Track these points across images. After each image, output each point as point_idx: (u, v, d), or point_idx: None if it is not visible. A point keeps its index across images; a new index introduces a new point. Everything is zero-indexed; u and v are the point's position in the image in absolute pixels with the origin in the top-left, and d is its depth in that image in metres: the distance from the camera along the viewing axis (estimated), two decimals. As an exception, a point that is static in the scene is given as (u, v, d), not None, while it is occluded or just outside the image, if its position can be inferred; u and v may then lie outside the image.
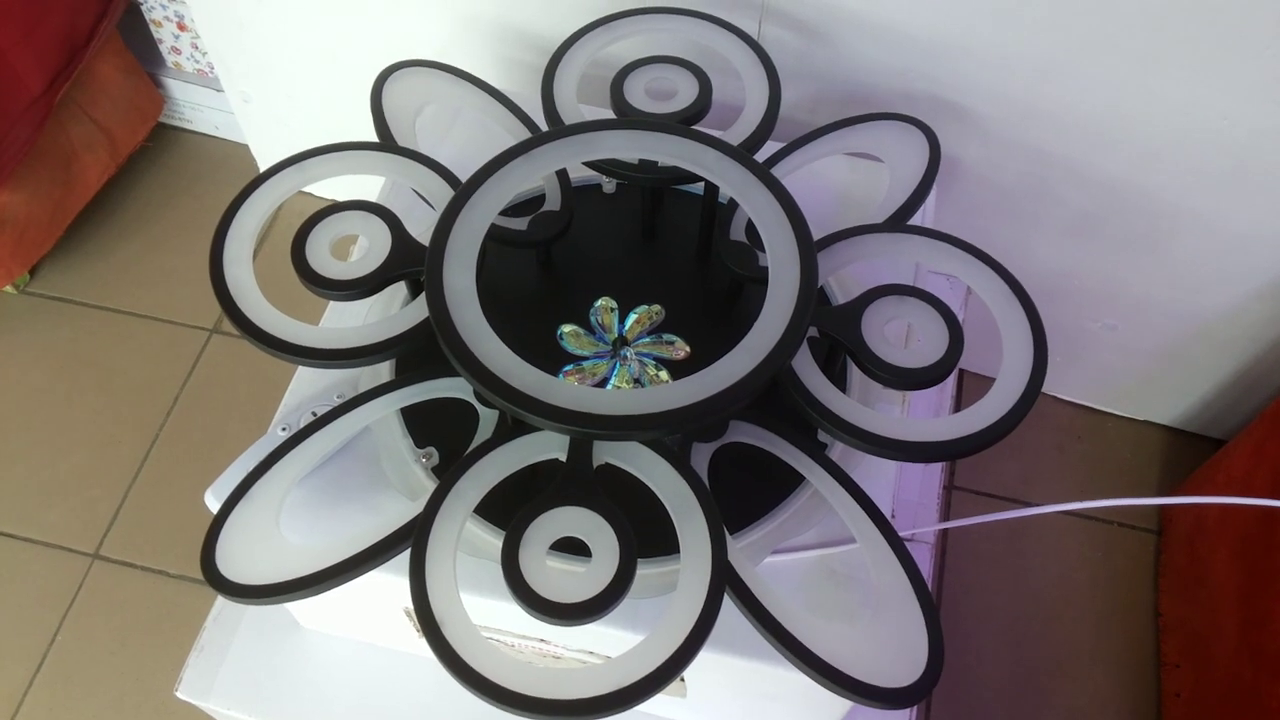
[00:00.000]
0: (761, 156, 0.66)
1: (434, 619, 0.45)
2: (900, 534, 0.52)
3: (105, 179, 1.30)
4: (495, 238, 0.62)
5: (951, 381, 0.87)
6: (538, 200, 0.66)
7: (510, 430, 0.52)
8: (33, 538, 1.09)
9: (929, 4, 0.75)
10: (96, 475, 1.13)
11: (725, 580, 0.48)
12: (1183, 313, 0.98)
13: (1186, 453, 1.15)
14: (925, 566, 0.71)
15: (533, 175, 0.56)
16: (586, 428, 0.47)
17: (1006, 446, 0.60)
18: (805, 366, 0.53)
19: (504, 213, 0.64)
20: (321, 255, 0.56)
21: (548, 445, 0.51)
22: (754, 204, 0.54)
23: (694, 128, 0.58)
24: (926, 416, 0.77)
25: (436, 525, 0.48)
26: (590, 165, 0.63)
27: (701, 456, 0.54)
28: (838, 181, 0.72)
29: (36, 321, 1.25)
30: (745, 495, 0.57)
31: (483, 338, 0.50)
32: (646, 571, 0.54)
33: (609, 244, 0.68)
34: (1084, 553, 1.08)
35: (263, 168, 0.66)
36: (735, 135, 0.65)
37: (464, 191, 0.54)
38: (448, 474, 0.49)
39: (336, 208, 0.58)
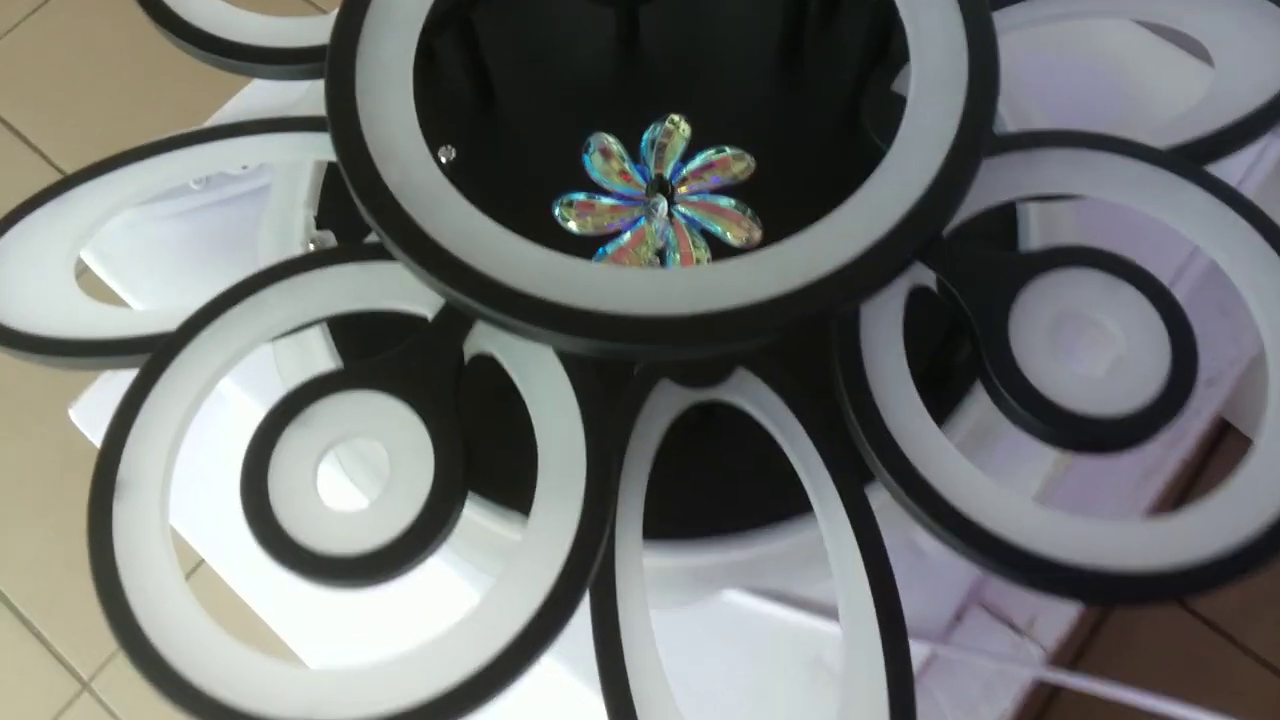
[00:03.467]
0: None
1: (110, 487, 0.30)
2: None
3: None
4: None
5: (1191, 438, 0.61)
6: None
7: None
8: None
9: None
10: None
11: (580, 592, 0.29)
12: None
13: None
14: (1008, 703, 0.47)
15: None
16: (464, 293, 0.29)
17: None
18: (881, 343, 0.32)
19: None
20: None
21: (419, 293, 0.33)
22: (919, 20, 0.32)
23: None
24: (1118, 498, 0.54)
25: (185, 355, 0.32)
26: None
27: (669, 402, 0.35)
28: (1125, 66, 0.47)
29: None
30: (725, 489, 0.37)
31: (388, 91, 0.32)
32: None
33: (732, 43, 0.47)
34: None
35: None
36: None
37: None
38: (248, 279, 0.33)
39: None
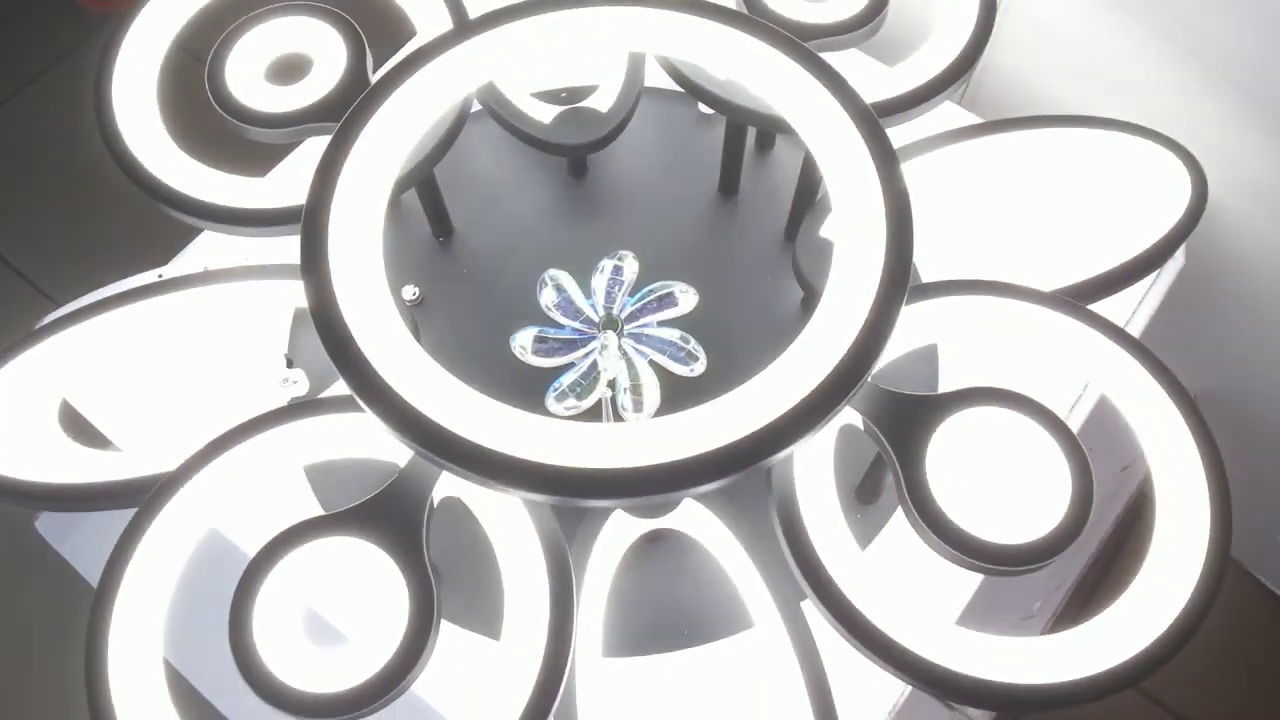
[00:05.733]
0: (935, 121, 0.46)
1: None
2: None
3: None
4: (507, 124, 0.47)
5: (1108, 521, 0.65)
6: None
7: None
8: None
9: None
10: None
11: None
12: None
13: None
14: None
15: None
16: (432, 449, 0.32)
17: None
18: (812, 475, 0.35)
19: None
20: (248, 70, 0.43)
21: (390, 443, 0.36)
22: (839, 183, 0.36)
23: (816, 49, 0.40)
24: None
25: (164, 517, 0.34)
26: (670, 71, 0.46)
27: (623, 532, 0.38)
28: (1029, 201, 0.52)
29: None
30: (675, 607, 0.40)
31: (360, 252, 0.35)
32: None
33: (673, 185, 0.51)
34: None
35: None
36: (900, 76, 0.45)
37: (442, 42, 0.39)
38: (221, 436, 0.35)
39: (289, 8, 0.44)
